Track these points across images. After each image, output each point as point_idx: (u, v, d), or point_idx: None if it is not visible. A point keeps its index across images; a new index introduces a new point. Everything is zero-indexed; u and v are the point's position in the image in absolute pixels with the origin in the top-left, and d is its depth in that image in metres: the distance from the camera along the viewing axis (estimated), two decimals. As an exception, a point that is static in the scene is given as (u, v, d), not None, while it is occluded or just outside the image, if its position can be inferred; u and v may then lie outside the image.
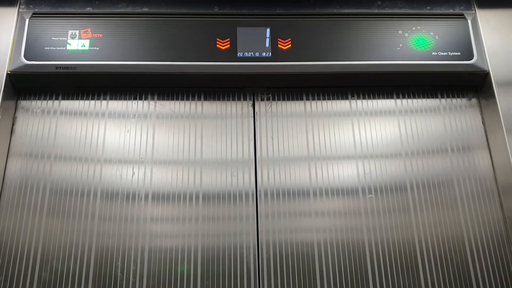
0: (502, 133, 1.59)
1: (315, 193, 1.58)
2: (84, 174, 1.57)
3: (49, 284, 1.44)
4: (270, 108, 1.70)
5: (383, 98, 1.73)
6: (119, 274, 1.46)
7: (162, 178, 1.58)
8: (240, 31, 1.69)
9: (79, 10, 1.70)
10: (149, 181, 1.57)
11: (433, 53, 1.68)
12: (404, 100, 1.73)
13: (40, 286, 1.44)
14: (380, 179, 1.61)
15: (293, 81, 1.70)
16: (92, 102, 1.67)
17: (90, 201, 1.54)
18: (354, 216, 1.56)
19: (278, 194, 1.57)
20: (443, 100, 1.73)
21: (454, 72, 1.67)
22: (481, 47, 1.70)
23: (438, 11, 1.77)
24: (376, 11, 1.76)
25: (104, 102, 1.67)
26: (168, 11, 1.72)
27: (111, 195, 1.55)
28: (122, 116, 1.66)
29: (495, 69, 1.67)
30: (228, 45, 1.67)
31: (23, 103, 1.66)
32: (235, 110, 1.69)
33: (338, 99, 1.72)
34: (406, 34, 1.71)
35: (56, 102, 1.67)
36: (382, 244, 1.52)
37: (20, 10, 1.69)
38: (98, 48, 1.63)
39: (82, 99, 1.68)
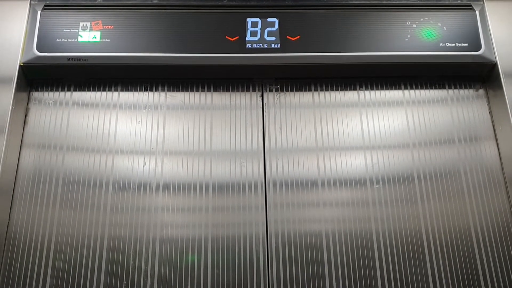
0: (509, 124, 1.60)
1: (323, 184, 1.59)
2: (96, 165, 1.59)
3: (63, 272, 1.46)
4: (278, 99, 1.71)
5: (391, 89, 1.73)
6: (131, 262, 1.48)
7: (173, 168, 1.60)
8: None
9: (89, 2, 1.71)
10: (160, 172, 1.59)
11: (440, 44, 1.68)
12: (412, 91, 1.73)
13: (54, 274, 1.46)
14: (387, 170, 1.62)
15: (302, 72, 1.71)
16: (104, 93, 1.69)
17: (102, 191, 1.56)
18: (362, 206, 1.57)
19: (286, 184, 1.59)
20: (450, 91, 1.74)
21: (462, 63, 1.68)
22: (488, 38, 1.70)
23: (446, 2, 1.76)
24: (384, 2, 1.75)
25: (115, 94, 1.69)
26: (178, 3, 1.72)
27: (122, 185, 1.56)
28: (133, 107, 1.67)
29: (502, 60, 1.68)
30: (237, 37, 1.68)
31: (36, 94, 1.68)
32: (244, 101, 1.71)
33: (346, 90, 1.73)
34: (414, 25, 1.71)
35: (68, 93, 1.68)
36: (389, 234, 1.53)
37: (32, 2, 1.69)
38: (109, 40, 1.64)
39: (93, 90, 1.69)
